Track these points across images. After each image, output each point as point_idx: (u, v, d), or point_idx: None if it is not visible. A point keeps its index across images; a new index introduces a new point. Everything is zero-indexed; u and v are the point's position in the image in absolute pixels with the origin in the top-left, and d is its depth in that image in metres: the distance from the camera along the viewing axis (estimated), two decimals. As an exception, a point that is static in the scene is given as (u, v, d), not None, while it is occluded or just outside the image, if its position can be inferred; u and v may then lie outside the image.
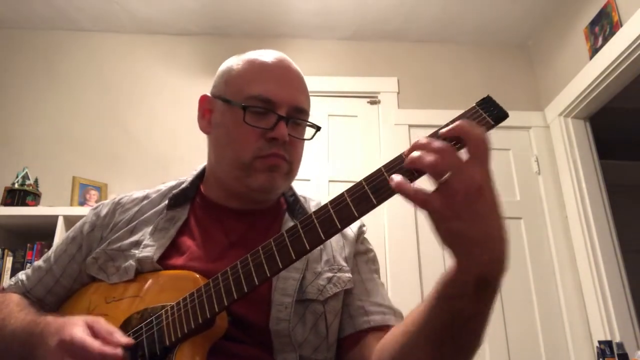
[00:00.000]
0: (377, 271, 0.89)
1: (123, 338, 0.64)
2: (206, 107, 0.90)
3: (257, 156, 0.80)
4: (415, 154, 0.52)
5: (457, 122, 0.54)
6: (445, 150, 0.51)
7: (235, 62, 0.88)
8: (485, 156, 0.52)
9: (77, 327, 0.63)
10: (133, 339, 0.66)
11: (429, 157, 0.51)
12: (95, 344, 0.60)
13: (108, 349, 0.60)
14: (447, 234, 0.53)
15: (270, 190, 0.82)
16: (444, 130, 0.54)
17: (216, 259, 0.78)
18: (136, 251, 0.79)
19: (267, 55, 0.87)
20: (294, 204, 0.91)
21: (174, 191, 0.88)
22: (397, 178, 0.52)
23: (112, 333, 0.64)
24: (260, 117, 0.80)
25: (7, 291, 0.89)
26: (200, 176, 0.94)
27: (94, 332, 0.64)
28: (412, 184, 0.52)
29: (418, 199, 0.51)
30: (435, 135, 0.55)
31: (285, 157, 0.81)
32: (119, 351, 0.61)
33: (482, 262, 0.52)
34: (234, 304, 0.63)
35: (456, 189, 0.50)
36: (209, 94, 0.90)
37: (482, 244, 0.52)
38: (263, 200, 0.87)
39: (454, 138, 0.54)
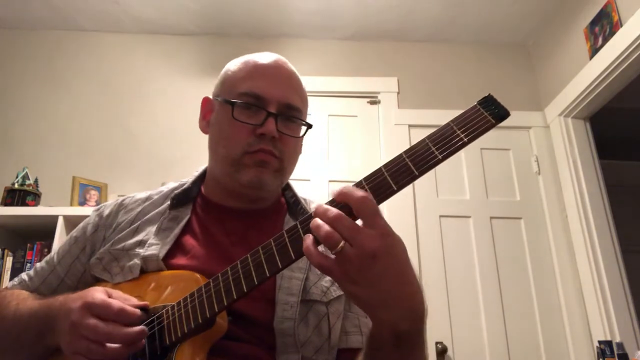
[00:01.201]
0: None
1: (138, 302, 0.69)
2: (207, 108, 0.92)
3: (246, 152, 0.81)
4: (316, 222, 0.55)
5: (339, 190, 0.56)
6: (340, 219, 0.53)
7: (233, 63, 0.91)
8: (372, 218, 0.53)
9: (99, 292, 0.68)
10: (147, 304, 0.70)
11: (324, 229, 0.53)
12: (115, 302, 0.66)
13: (127, 307, 0.66)
14: (350, 296, 0.56)
15: (259, 185, 0.82)
16: (335, 196, 0.58)
17: (218, 258, 0.78)
18: (141, 250, 0.80)
19: (262, 56, 0.89)
20: (295, 205, 0.91)
21: (176, 191, 0.89)
22: (308, 241, 0.55)
23: (129, 299, 0.69)
24: (250, 113, 0.82)
25: (12, 289, 0.90)
26: (202, 177, 0.95)
27: (113, 298, 0.68)
28: (317, 249, 0.55)
29: (320, 265, 0.54)
30: (333, 202, 0.58)
31: (274, 154, 0.82)
32: (137, 310, 0.66)
33: (389, 320, 0.55)
34: (238, 303, 0.64)
35: (349, 257, 0.52)
36: (210, 96, 0.92)
37: (383, 306, 0.54)
38: (258, 199, 0.87)
39: (344, 204, 0.56)
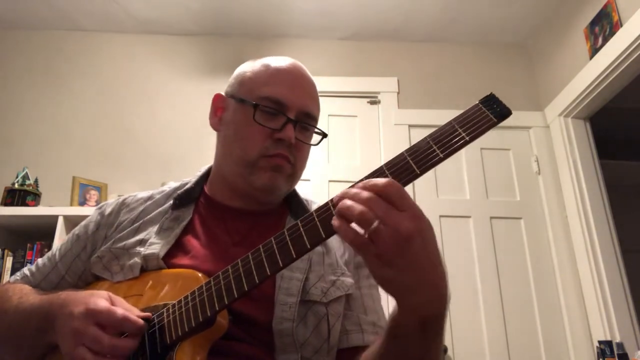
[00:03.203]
0: (376, 285, 0.88)
1: (141, 312, 0.69)
2: (219, 105, 0.93)
3: (262, 155, 0.82)
4: (346, 203, 0.53)
5: (363, 183, 0.55)
6: (372, 200, 0.52)
7: (251, 65, 0.91)
8: (402, 200, 0.52)
9: (101, 299, 0.68)
10: (150, 315, 0.69)
11: (358, 208, 0.52)
12: (119, 310, 0.65)
13: (131, 315, 0.65)
14: (380, 279, 0.55)
15: (272, 189, 0.83)
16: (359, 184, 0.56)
17: (220, 258, 0.78)
18: (141, 249, 0.80)
19: (282, 60, 0.90)
20: (297, 205, 0.92)
21: (179, 191, 0.89)
22: (337, 221, 0.54)
23: (131, 309, 0.69)
24: (269, 117, 0.83)
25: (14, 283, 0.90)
26: (205, 177, 0.95)
27: (116, 305, 0.68)
28: (352, 227, 0.53)
29: (354, 241, 0.52)
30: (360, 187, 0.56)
31: (289, 159, 0.83)
32: (140, 320, 0.66)
33: (418, 306, 0.54)
34: (237, 303, 0.64)
35: (384, 238, 0.51)
36: (223, 93, 0.93)
37: (415, 290, 0.53)
38: (266, 201, 0.88)
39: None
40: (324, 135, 0.90)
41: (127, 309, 0.68)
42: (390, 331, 0.61)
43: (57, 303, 0.71)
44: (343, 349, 0.78)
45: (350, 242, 0.53)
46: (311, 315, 0.76)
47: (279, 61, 0.89)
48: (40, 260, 0.93)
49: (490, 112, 0.56)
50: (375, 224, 0.51)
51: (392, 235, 0.50)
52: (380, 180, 0.53)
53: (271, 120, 0.82)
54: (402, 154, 0.58)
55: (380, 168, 0.58)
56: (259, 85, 0.85)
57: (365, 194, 0.52)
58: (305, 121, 0.86)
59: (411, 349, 0.59)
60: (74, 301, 0.68)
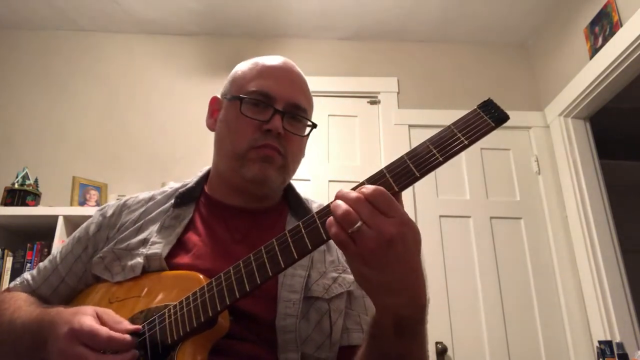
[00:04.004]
0: None
1: (130, 325, 0.67)
2: (215, 107, 0.95)
3: (251, 146, 0.83)
4: (336, 202, 0.55)
5: (351, 192, 0.56)
6: (358, 202, 0.53)
7: (242, 64, 0.94)
8: (389, 206, 0.53)
9: (86, 316, 0.67)
10: (139, 328, 0.69)
11: (342, 208, 0.54)
12: (103, 329, 0.64)
13: (116, 334, 0.64)
14: (358, 276, 0.56)
15: (263, 181, 0.84)
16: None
17: (220, 256, 0.79)
18: (144, 250, 0.80)
19: (271, 58, 0.92)
20: (297, 204, 0.92)
21: (180, 190, 0.90)
22: (331, 218, 0.55)
23: (120, 322, 0.68)
24: (258, 110, 0.84)
25: (12, 290, 0.90)
26: (205, 177, 0.96)
27: (103, 322, 0.67)
28: (337, 223, 0.54)
29: (337, 236, 0.54)
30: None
31: (279, 150, 0.84)
32: (126, 336, 0.64)
33: (393, 307, 0.56)
34: (239, 301, 0.64)
35: (367, 239, 0.52)
36: (219, 96, 0.95)
37: (390, 292, 0.55)
38: (262, 196, 0.89)
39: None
40: (314, 125, 0.91)
41: (116, 322, 0.67)
42: (369, 330, 0.63)
43: (47, 321, 0.71)
44: (343, 346, 0.79)
45: (332, 236, 0.54)
46: (313, 312, 0.76)
47: (268, 59, 0.91)
48: (41, 264, 0.93)
49: (489, 117, 0.57)
50: (359, 224, 0.52)
51: (375, 237, 0.52)
52: (370, 187, 0.55)
53: (259, 112, 0.84)
54: (402, 157, 0.59)
55: (381, 171, 0.59)
56: (248, 80, 0.88)
57: (354, 195, 0.54)
58: (293, 112, 0.86)
59: (388, 349, 0.60)
60: (60, 321, 0.68)
